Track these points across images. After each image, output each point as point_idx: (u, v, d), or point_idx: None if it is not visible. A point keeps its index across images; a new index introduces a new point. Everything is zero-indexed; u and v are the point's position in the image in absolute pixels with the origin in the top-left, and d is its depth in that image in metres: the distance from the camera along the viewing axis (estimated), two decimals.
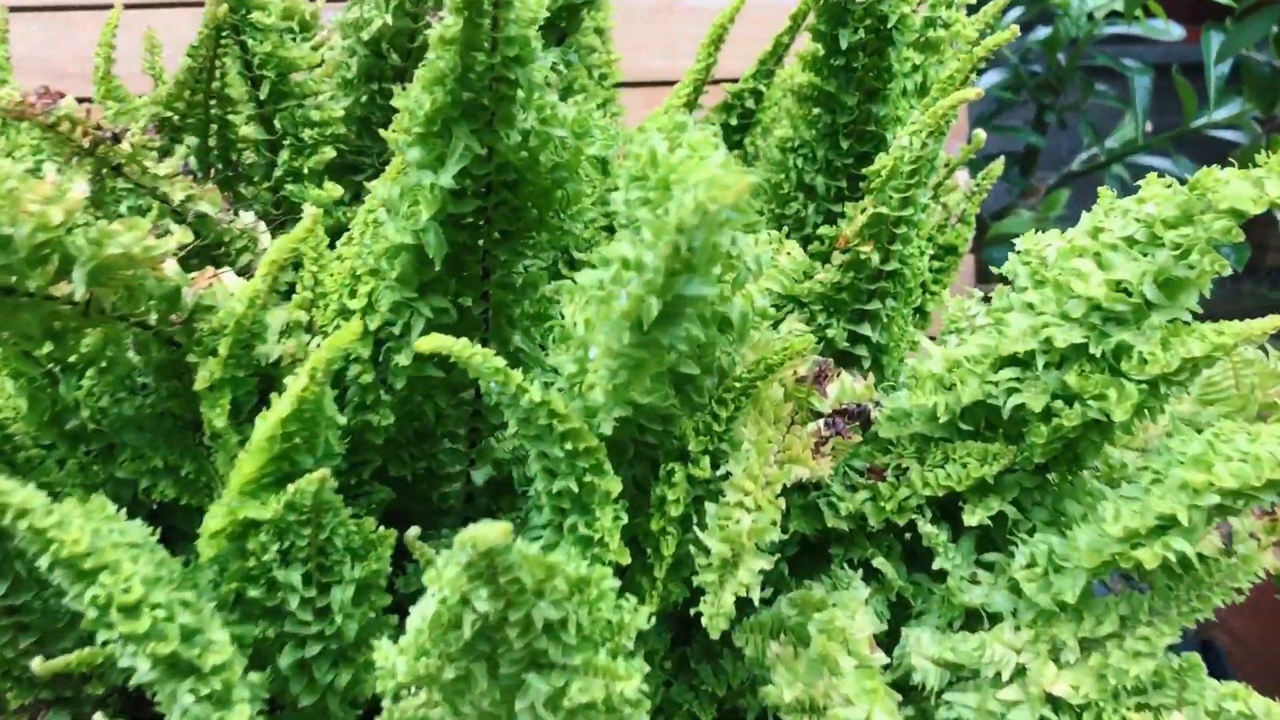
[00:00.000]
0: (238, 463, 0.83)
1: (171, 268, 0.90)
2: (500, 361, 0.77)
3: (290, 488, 0.81)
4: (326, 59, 1.26)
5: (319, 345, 0.83)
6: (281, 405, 0.79)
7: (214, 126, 1.18)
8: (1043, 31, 3.06)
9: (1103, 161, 3.12)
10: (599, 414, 0.83)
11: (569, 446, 0.81)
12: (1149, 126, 3.05)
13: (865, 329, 1.05)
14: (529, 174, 0.86)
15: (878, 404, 0.96)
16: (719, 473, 0.87)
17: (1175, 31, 3.07)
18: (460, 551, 0.65)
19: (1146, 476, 0.83)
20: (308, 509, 0.82)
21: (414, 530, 0.97)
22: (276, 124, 1.14)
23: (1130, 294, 0.81)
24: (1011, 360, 0.87)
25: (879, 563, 0.92)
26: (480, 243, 0.91)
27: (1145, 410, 0.82)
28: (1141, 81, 3.06)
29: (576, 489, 0.83)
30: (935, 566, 0.90)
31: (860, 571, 0.92)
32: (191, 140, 1.19)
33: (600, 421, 0.83)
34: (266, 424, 0.80)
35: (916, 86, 1.13)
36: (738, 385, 0.87)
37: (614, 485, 0.83)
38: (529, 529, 0.94)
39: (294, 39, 1.25)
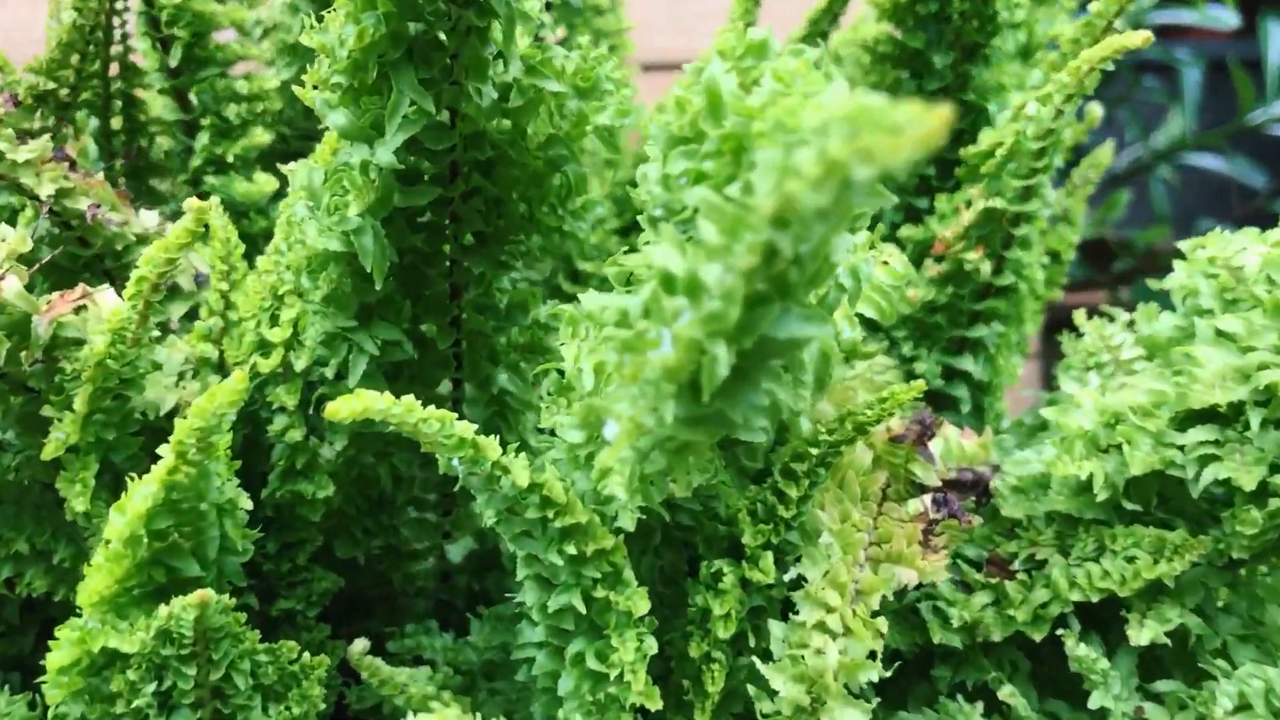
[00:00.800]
0: (88, 572, 0.57)
1: (11, 287, 0.64)
2: (465, 428, 0.51)
3: (161, 612, 0.54)
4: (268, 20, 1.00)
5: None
6: (142, 494, 0.53)
7: (117, 104, 0.92)
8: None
9: (1148, 162, 2.86)
10: (616, 502, 0.56)
11: (572, 549, 0.55)
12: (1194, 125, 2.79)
13: (965, 362, 0.79)
14: (512, 150, 0.60)
15: (997, 469, 0.70)
16: (788, 576, 0.61)
17: (1231, 20, 2.82)
18: None
19: None
20: (189, 640, 0.56)
21: (360, 645, 0.71)
22: (193, 98, 0.88)
23: None
24: (1206, 415, 0.61)
25: (1006, 695, 0.66)
26: (446, 249, 0.65)
27: None
28: (1192, 75, 2.80)
29: (584, 607, 0.57)
30: (1094, 705, 0.63)
31: (980, 705, 0.66)
32: (91, 122, 0.93)
33: (618, 510, 0.56)
34: (123, 519, 0.54)
35: (1019, 47, 0.87)
36: (814, 452, 0.60)
37: (639, 604, 0.57)
38: (519, 645, 0.68)
39: None
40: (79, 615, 0.60)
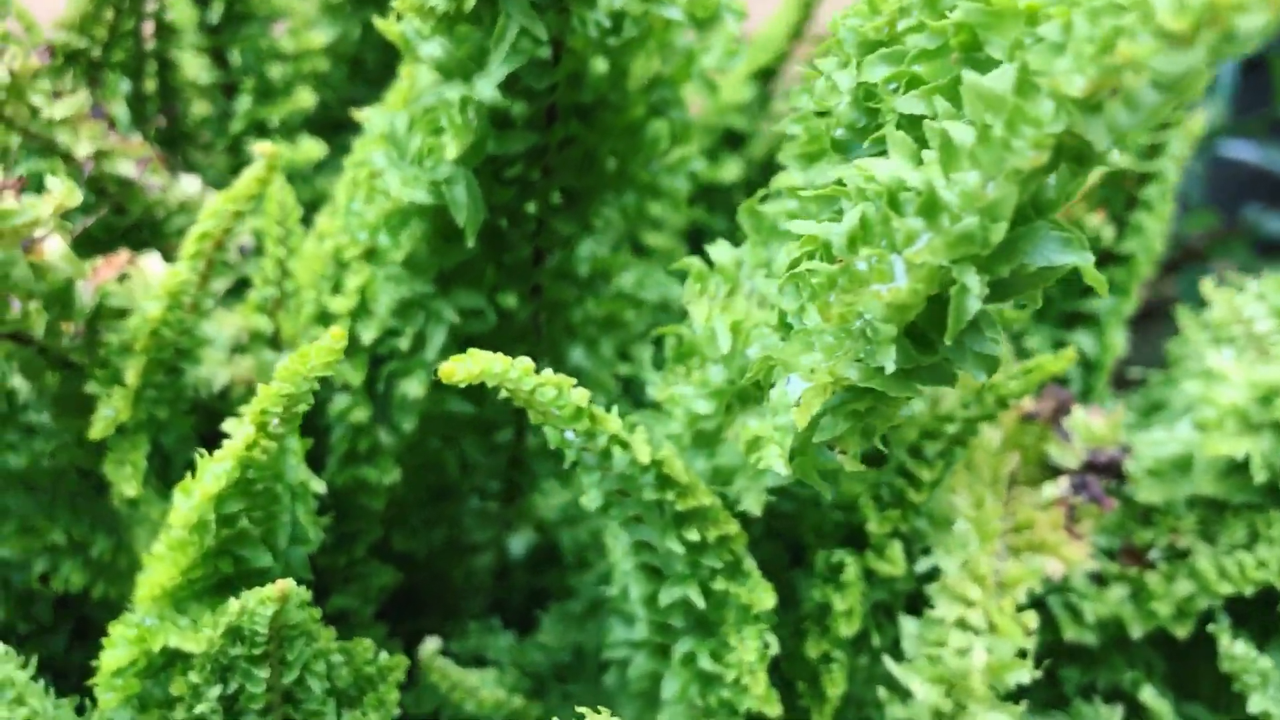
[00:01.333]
0: (147, 563, 0.51)
1: (55, 249, 0.58)
2: (582, 396, 0.45)
3: (232, 607, 0.48)
4: None
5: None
6: (213, 473, 0.47)
7: (151, 66, 0.86)
8: None
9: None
10: (741, 479, 0.50)
11: (693, 535, 0.49)
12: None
13: (1078, 336, 0.73)
14: (613, 94, 0.54)
15: (1127, 450, 0.64)
16: (920, 568, 0.55)
17: None
18: None
19: None
20: (264, 639, 0.50)
21: (432, 645, 0.65)
22: (234, 58, 0.82)
23: None
24: None
25: (1149, 697, 0.60)
26: (532, 209, 0.59)
27: None
28: (1226, 64, 2.74)
29: (702, 601, 0.51)
30: (1255, 709, 0.57)
31: (1120, 708, 0.60)
32: (123, 85, 0.87)
33: (743, 492, 0.50)
34: (190, 502, 0.48)
35: None
36: (949, 430, 0.54)
37: (763, 598, 0.51)
38: (609, 644, 0.62)
39: None
40: (129, 611, 0.54)
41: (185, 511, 0.48)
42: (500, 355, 0.42)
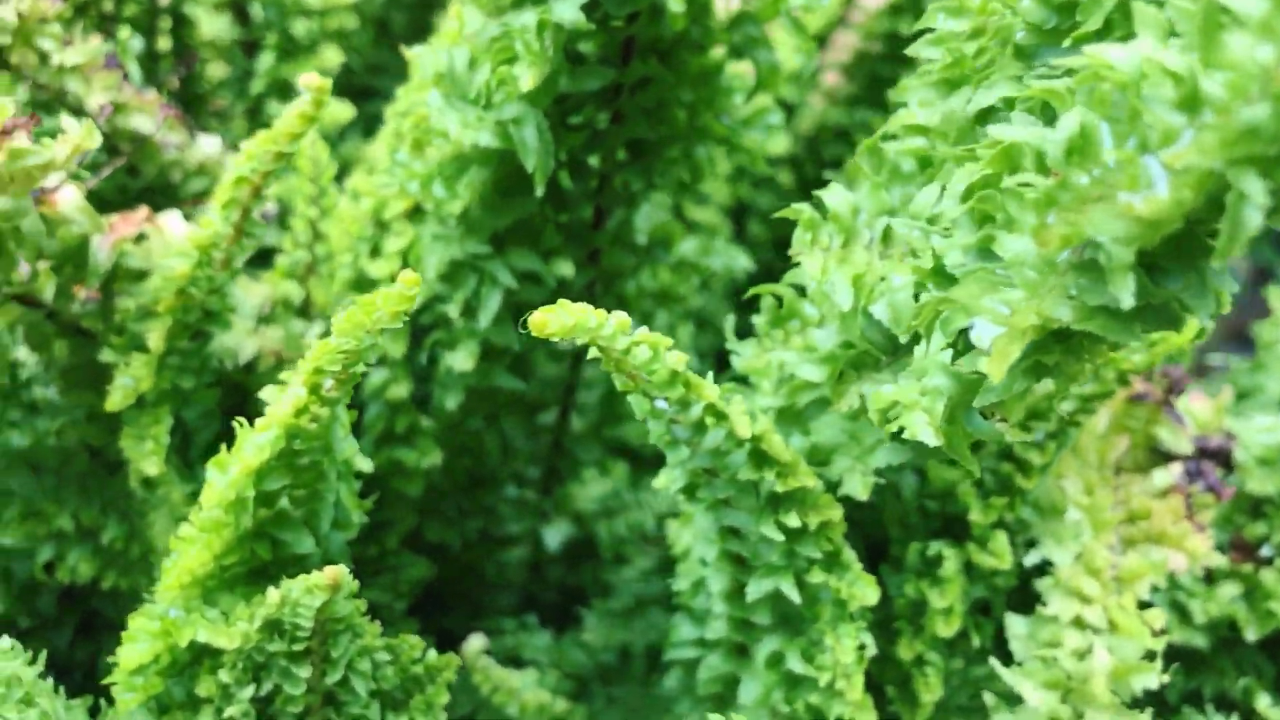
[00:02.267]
0: (175, 547, 0.45)
1: (70, 199, 0.52)
2: (679, 360, 0.40)
3: (272, 597, 0.43)
4: None
5: (322, 335, 0.46)
6: (255, 444, 0.41)
7: (166, 21, 0.80)
8: None
9: None
10: (843, 459, 0.45)
11: (792, 520, 0.43)
12: None
13: None
14: (694, 30, 0.49)
15: (1231, 437, 0.59)
16: (1029, 561, 0.50)
17: None
18: None
19: None
20: (306, 634, 0.44)
21: (477, 643, 0.60)
22: (255, 12, 0.77)
23: None
24: None
25: (1266, 708, 0.55)
26: (596, 162, 0.54)
27: None
28: None
29: (798, 595, 0.45)
30: None
31: (1235, 718, 0.55)
32: (135, 43, 0.82)
33: (846, 474, 0.45)
34: (226, 479, 0.42)
35: None
36: (1063, 409, 0.49)
37: (865, 593, 0.45)
38: (673, 643, 0.57)
39: None
40: (149, 601, 0.49)
41: (221, 488, 0.42)
42: (594, 309, 0.36)
